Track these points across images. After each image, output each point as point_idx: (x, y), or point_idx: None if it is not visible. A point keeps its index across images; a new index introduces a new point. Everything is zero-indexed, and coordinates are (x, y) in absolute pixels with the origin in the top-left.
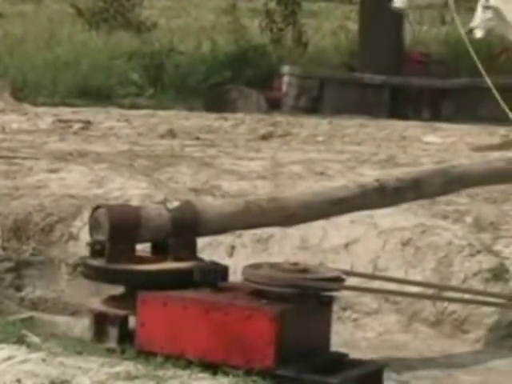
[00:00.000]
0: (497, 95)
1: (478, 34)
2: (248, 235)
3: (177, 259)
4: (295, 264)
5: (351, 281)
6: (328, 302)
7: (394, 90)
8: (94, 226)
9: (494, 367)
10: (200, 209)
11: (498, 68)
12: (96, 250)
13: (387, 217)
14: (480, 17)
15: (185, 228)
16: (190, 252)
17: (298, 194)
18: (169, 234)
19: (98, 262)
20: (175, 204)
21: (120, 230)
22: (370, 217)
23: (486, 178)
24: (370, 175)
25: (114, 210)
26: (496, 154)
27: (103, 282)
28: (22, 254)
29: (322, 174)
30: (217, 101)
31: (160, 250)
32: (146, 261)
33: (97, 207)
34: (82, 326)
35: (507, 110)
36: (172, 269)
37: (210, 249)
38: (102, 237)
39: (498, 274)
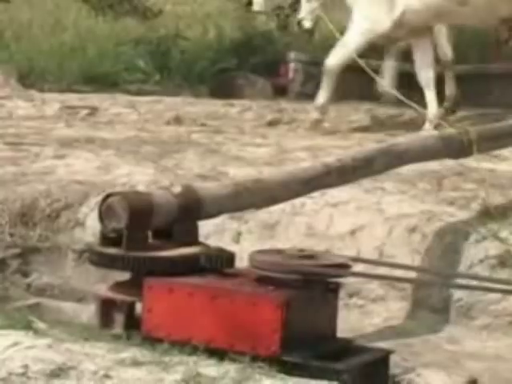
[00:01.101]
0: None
1: (306, 24)
2: (254, 221)
3: (184, 244)
4: (302, 250)
5: (357, 267)
6: (334, 289)
7: (400, 76)
8: (108, 213)
9: (501, 354)
10: (201, 193)
11: (506, 54)
12: (108, 238)
13: (393, 203)
14: (305, 7)
15: (189, 213)
16: (194, 237)
17: (276, 175)
18: (175, 220)
19: (114, 250)
20: (177, 189)
21: (137, 217)
22: (377, 203)
23: (421, 156)
24: None
25: (129, 197)
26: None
27: (121, 270)
28: (29, 240)
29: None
30: (223, 87)
31: (160, 236)
32: (159, 247)
33: (109, 195)
34: (88, 312)
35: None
36: (193, 254)
37: (216, 235)
38: (117, 224)
39: (504, 260)
